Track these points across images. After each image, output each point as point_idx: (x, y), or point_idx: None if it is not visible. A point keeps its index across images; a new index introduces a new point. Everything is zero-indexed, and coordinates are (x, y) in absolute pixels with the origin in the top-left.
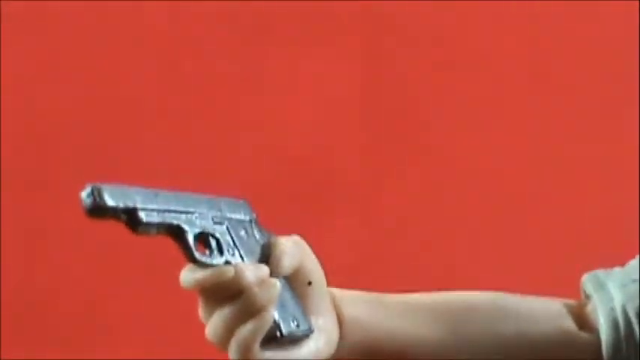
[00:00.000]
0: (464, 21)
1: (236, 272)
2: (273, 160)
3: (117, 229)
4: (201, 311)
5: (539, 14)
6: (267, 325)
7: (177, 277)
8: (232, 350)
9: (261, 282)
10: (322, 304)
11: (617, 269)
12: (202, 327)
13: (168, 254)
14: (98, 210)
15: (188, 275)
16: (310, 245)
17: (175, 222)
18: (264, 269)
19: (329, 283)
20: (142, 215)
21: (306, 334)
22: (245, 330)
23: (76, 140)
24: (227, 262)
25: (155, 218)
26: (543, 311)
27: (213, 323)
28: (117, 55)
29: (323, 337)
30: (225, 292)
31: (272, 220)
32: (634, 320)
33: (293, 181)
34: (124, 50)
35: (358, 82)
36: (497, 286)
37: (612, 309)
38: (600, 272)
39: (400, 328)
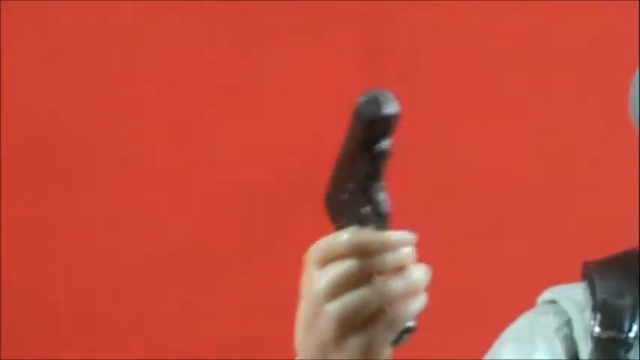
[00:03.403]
0: (464, 21)
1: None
2: (273, 160)
3: (116, 229)
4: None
5: (539, 14)
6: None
7: (177, 278)
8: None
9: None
10: None
11: None
12: (201, 327)
13: (169, 255)
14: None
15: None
16: (309, 245)
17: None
18: None
19: None
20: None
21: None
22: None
23: (76, 140)
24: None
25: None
26: None
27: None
28: (117, 56)
29: None
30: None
31: (272, 220)
32: None
33: (293, 181)
34: (124, 50)
35: (358, 83)
36: (496, 286)
37: None
38: None
39: None
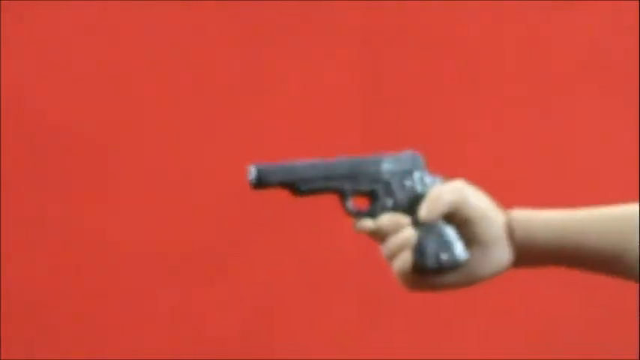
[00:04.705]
0: (463, 24)
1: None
2: (273, 161)
3: (116, 230)
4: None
5: (538, 15)
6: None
7: (176, 278)
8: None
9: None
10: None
11: None
12: (201, 327)
13: (168, 255)
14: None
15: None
16: (310, 245)
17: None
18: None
19: (330, 284)
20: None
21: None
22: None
23: (76, 140)
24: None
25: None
26: None
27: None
28: (117, 57)
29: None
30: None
31: (272, 220)
32: None
33: None
34: (125, 51)
35: (358, 84)
36: (495, 286)
37: None
38: None
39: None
